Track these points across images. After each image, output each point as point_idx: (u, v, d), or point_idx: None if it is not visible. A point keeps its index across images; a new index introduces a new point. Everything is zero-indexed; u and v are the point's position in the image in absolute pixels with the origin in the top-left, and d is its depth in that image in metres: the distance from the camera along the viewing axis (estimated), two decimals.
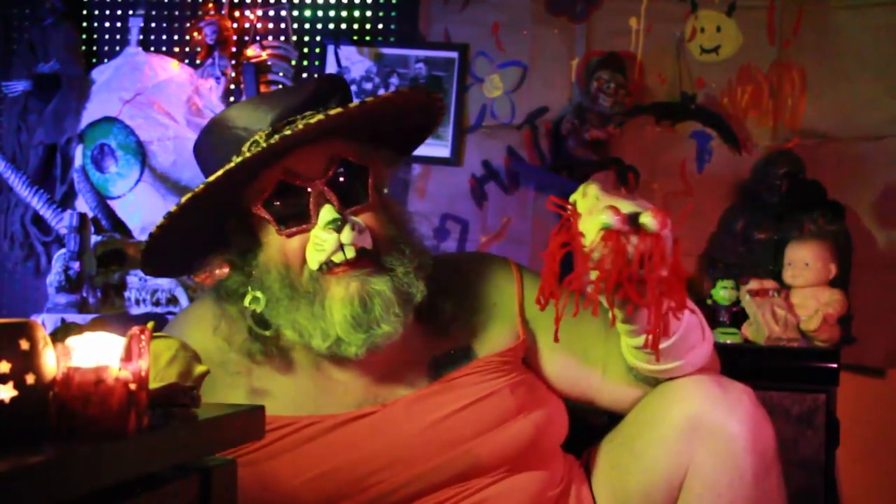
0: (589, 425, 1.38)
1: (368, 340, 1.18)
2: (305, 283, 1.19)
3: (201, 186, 1.16)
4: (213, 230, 1.25)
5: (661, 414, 1.20)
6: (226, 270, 1.30)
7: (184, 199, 1.17)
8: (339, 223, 1.16)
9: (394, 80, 2.89)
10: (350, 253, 1.16)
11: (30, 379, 0.69)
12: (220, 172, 1.15)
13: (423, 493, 1.20)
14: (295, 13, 2.99)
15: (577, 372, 1.31)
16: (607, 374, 1.29)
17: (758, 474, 1.15)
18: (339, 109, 1.15)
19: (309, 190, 1.19)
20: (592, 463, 1.34)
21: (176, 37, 3.08)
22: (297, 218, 1.20)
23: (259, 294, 1.23)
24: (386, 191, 1.30)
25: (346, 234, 1.16)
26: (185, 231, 1.25)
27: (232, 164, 1.15)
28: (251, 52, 2.93)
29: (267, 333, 1.24)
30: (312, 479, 1.18)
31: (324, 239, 1.17)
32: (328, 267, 1.18)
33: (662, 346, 1.15)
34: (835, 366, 2.21)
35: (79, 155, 2.91)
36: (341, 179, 1.20)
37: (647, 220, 0.99)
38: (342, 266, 1.17)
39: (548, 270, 1.05)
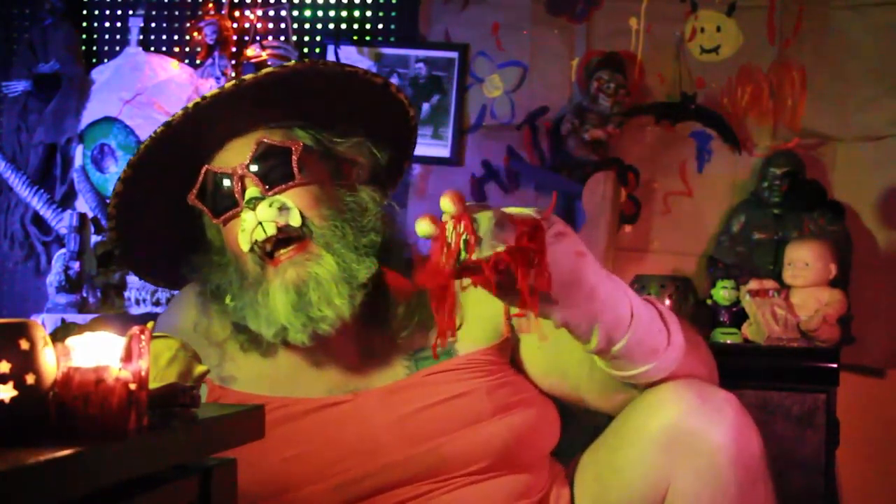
0: (590, 426, 1.37)
1: (310, 326, 1.17)
2: (251, 271, 1.21)
3: (121, 174, 1.24)
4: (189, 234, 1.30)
5: (640, 426, 1.15)
6: None
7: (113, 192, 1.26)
8: (255, 201, 1.19)
9: (394, 80, 2.89)
10: (270, 229, 1.17)
11: (30, 379, 0.69)
12: (134, 156, 1.22)
13: (390, 486, 1.20)
14: (295, 13, 2.99)
15: (563, 371, 1.29)
16: (592, 375, 1.24)
17: (744, 487, 1.09)
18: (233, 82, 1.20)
19: (231, 175, 1.22)
20: (576, 470, 1.30)
21: (176, 37, 3.08)
22: (227, 206, 1.23)
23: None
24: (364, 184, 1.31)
25: (262, 210, 1.18)
26: (160, 234, 1.31)
27: (142, 146, 1.21)
28: (251, 52, 2.93)
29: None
30: (286, 460, 1.19)
31: (243, 219, 1.20)
32: (260, 249, 1.19)
33: (614, 349, 1.10)
34: (835, 366, 2.21)
35: (79, 155, 2.91)
36: (263, 162, 1.22)
37: (442, 202, 0.96)
38: (281, 254, 1.19)
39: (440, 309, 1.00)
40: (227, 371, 1.27)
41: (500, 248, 0.95)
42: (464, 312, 1.28)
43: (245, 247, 1.20)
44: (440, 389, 1.23)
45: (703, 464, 1.09)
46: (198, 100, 1.19)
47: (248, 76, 1.20)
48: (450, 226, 0.96)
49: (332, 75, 1.27)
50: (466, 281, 0.99)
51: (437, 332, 1.01)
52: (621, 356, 1.12)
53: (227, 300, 1.26)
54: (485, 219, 0.96)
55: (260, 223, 1.18)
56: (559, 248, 1.01)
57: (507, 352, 1.30)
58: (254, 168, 1.22)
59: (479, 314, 1.29)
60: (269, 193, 1.20)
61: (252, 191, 1.20)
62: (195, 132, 1.22)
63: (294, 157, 1.23)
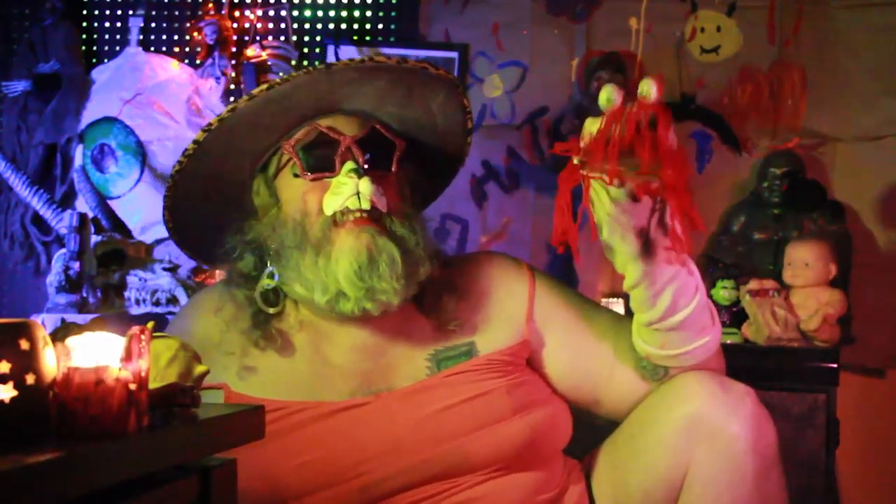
0: (591, 426, 1.38)
1: (368, 296, 1.18)
2: (316, 232, 1.21)
3: (227, 111, 1.22)
4: (233, 209, 1.30)
5: (663, 413, 1.21)
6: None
7: (218, 118, 1.23)
8: (361, 171, 1.21)
9: None
10: (365, 202, 1.20)
11: (30, 379, 0.69)
12: (245, 98, 1.21)
13: (412, 486, 1.21)
14: (295, 13, 2.99)
15: (585, 369, 1.31)
16: (616, 371, 1.29)
17: (759, 475, 1.15)
18: (373, 58, 1.22)
19: (339, 142, 1.24)
20: (593, 463, 1.34)
21: (176, 37, 3.08)
22: (322, 167, 1.24)
23: (276, 269, 1.26)
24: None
25: (365, 184, 1.20)
26: (206, 200, 1.31)
27: (258, 91, 1.20)
28: (251, 52, 2.93)
29: (271, 311, 1.27)
30: (302, 465, 1.19)
31: (342, 183, 1.21)
32: (342, 216, 1.20)
33: (675, 318, 1.17)
34: (835, 366, 2.20)
35: (79, 155, 2.91)
36: (370, 144, 1.25)
37: (646, 87, 1.02)
38: (354, 220, 1.20)
39: (560, 205, 1.08)
40: (250, 361, 1.27)
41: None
42: (485, 313, 1.31)
43: (332, 209, 1.21)
44: (461, 389, 1.24)
45: (722, 450, 1.15)
46: (365, 58, 1.22)
47: (411, 62, 1.24)
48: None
49: (449, 106, 1.33)
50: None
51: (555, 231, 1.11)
52: (679, 328, 1.19)
53: (283, 262, 1.25)
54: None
55: (358, 193, 1.20)
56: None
57: (525, 353, 1.32)
58: (362, 144, 1.24)
59: (500, 316, 1.31)
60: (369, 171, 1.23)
61: (354, 163, 1.22)
62: (306, 96, 1.24)
63: (397, 153, 1.27)
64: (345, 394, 1.24)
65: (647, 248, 1.14)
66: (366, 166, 1.22)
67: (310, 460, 1.20)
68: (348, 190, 1.20)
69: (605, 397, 1.32)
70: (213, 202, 1.32)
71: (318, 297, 1.20)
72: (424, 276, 1.24)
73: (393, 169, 1.27)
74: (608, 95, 1.04)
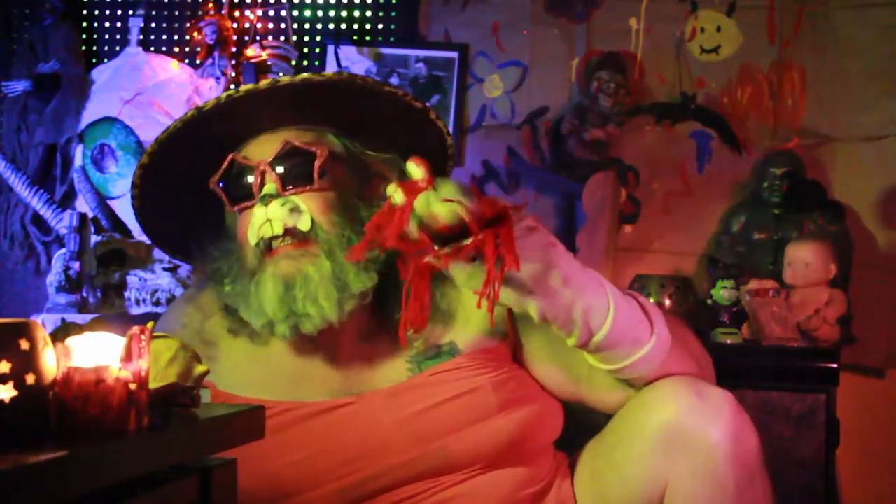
0: (587, 424, 1.37)
1: (292, 319, 1.18)
2: (250, 261, 1.23)
3: (148, 148, 1.26)
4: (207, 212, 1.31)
5: (639, 424, 1.17)
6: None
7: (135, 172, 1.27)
8: (269, 198, 1.20)
9: (394, 80, 2.90)
10: (277, 228, 1.19)
11: (30, 379, 0.69)
12: (162, 135, 1.24)
13: (396, 485, 1.20)
14: (295, 13, 2.99)
15: (562, 373, 1.30)
16: (592, 374, 1.26)
17: (740, 485, 1.11)
18: (249, 86, 1.20)
19: (253, 168, 1.23)
20: (576, 466, 1.32)
21: (176, 37, 3.08)
22: (244, 196, 1.25)
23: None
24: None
25: (273, 209, 1.20)
26: (179, 206, 1.32)
27: (168, 130, 1.23)
28: (251, 52, 2.93)
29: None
30: (285, 466, 1.19)
31: (255, 213, 1.21)
32: (264, 244, 1.21)
33: (596, 339, 1.12)
34: (835, 366, 2.21)
35: (79, 155, 2.91)
36: (286, 161, 1.24)
37: (412, 170, 1.01)
38: (280, 246, 1.20)
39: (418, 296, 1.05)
40: (232, 359, 1.27)
41: (463, 212, 0.99)
42: (465, 312, 1.28)
43: (252, 241, 1.21)
44: (446, 388, 1.23)
45: (700, 462, 1.11)
46: (231, 91, 1.21)
47: (285, 78, 1.21)
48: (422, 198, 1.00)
49: (369, 91, 1.26)
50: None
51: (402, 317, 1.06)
52: (605, 347, 1.13)
53: (226, 284, 1.27)
54: (450, 183, 1.01)
55: (269, 220, 1.19)
56: (529, 239, 1.05)
57: (510, 351, 1.31)
58: (276, 165, 1.23)
59: (480, 314, 1.28)
60: (286, 193, 1.22)
61: (269, 187, 1.22)
62: (227, 120, 1.24)
63: (316, 163, 1.23)
64: (325, 393, 1.24)
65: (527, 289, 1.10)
66: (286, 186, 1.21)
67: (294, 461, 1.19)
68: (259, 219, 1.20)
69: (587, 395, 1.29)
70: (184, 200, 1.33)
71: (255, 322, 1.21)
72: (363, 288, 1.21)
73: (315, 180, 1.23)
74: (395, 196, 1.02)
